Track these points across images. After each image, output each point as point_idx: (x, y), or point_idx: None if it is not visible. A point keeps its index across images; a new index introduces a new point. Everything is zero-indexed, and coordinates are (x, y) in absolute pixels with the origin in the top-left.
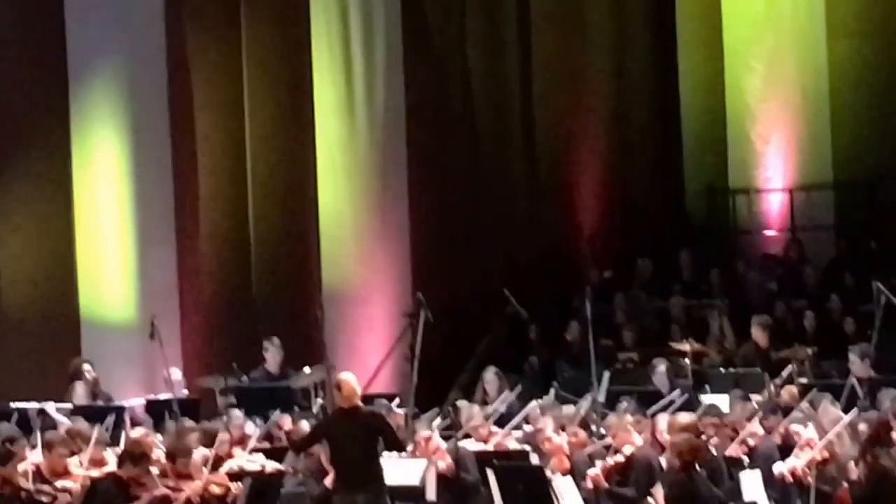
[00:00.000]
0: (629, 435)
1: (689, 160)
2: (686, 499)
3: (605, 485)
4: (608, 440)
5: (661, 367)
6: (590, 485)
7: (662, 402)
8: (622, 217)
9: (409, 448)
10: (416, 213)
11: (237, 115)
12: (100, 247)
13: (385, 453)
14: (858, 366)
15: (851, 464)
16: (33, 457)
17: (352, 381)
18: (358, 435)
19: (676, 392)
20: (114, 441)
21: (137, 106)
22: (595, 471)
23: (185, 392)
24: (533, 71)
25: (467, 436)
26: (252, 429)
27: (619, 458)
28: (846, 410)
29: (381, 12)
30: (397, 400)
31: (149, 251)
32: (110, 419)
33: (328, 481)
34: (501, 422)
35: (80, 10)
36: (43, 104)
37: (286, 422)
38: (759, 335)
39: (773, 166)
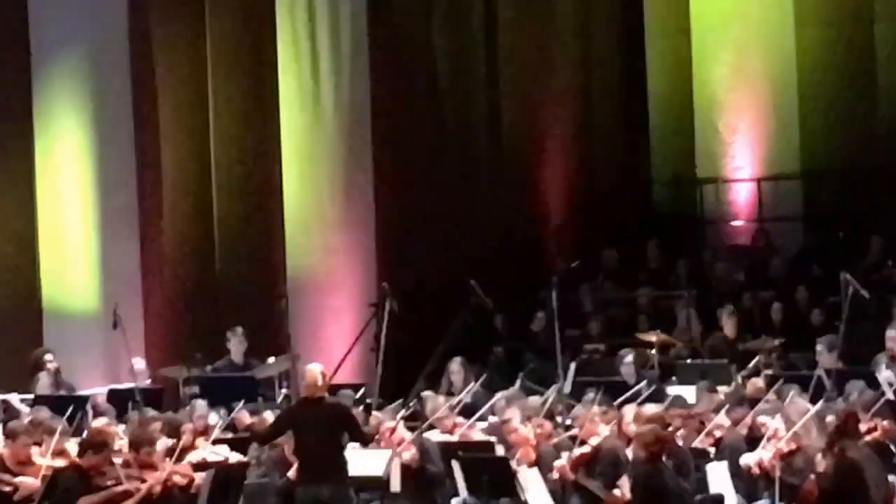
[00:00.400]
0: (595, 426)
1: (657, 150)
2: (652, 490)
3: (572, 476)
4: (574, 431)
5: (627, 357)
6: (556, 476)
7: (629, 394)
8: (588, 207)
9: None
10: (382, 203)
11: (201, 106)
12: (62, 237)
13: (350, 444)
14: (826, 357)
15: (819, 456)
16: None
17: (317, 371)
18: (322, 426)
19: (643, 383)
20: (76, 431)
21: (101, 96)
22: (561, 462)
23: (149, 382)
24: (499, 62)
25: (432, 427)
26: (215, 419)
27: (586, 449)
28: (813, 402)
29: (347, 4)
30: (363, 390)
31: (112, 241)
32: (73, 409)
33: (292, 473)
34: (467, 413)
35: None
36: (5, 94)
37: (245, 417)
38: (726, 326)
39: (741, 156)
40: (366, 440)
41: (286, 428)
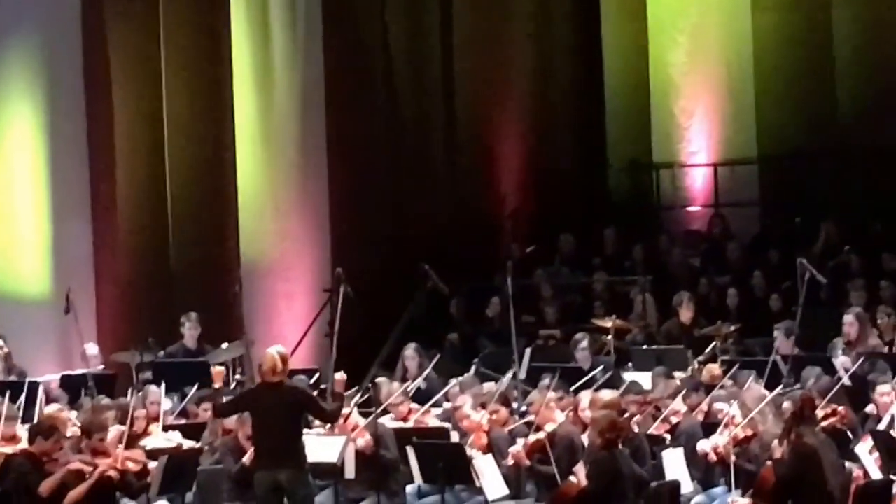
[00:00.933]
0: (551, 412)
1: (613, 135)
2: (607, 477)
3: (527, 462)
4: (530, 417)
5: (583, 343)
6: (511, 462)
7: (585, 380)
8: (544, 192)
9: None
10: (336, 186)
11: (154, 87)
12: (13, 220)
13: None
14: (784, 343)
15: (775, 442)
16: None
17: (276, 355)
18: (281, 410)
19: (599, 369)
20: (27, 417)
21: (53, 78)
22: (517, 448)
23: (102, 368)
24: (454, 44)
25: (386, 413)
26: (169, 405)
27: (541, 435)
28: (770, 388)
29: None
30: (317, 375)
31: (63, 224)
32: (24, 395)
33: (246, 458)
34: (422, 399)
35: None
36: None
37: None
38: (682, 312)
39: (697, 141)
40: (330, 417)
41: (244, 408)
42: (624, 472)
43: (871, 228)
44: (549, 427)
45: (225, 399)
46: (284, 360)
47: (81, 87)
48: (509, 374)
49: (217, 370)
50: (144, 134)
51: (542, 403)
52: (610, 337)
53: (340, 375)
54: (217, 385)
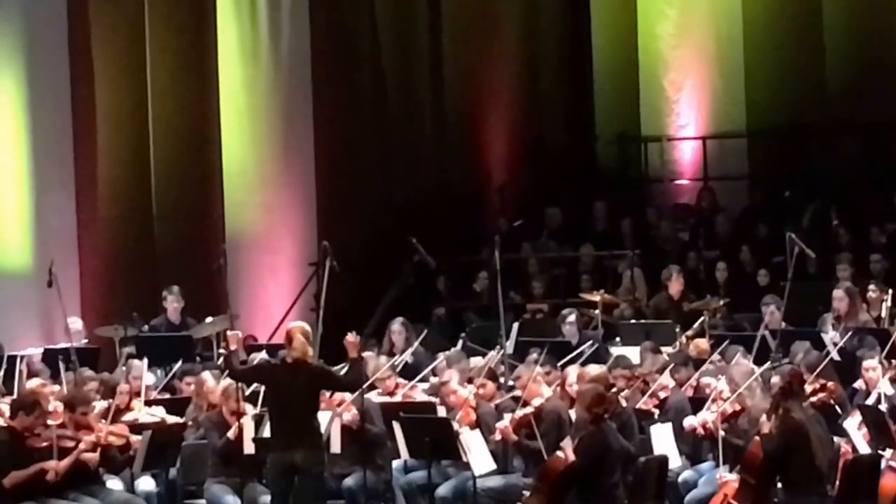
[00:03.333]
0: (538, 387)
1: (601, 108)
2: (596, 452)
3: (514, 437)
4: (517, 392)
5: (570, 317)
6: (498, 437)
7: (573, 354)
8: (532, 165)
9: None
10: (322, 159)
11: (138, 59)
12: None
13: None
14: (775, 317)
15: (763, 417)
16: None
17: (300, 332)
18: (301, 390)
19: (587, 344)
20: (9, 391)
21: (35, 50)
22: (504, 423)
23: (85, 342)
24: (442, 17)
25: (373, 387)
26: (152, 380)
27: (528, 410)
28: (758, 362)
29: None
30: None
31: (46, 197)
32: (5, 369)
33: (231, 433)
34: (409, 373)
35: None
36: None
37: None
38: (670, 286)
39: (686, 114)
40: (352, 386)
41: (262, 381)
42: (612, 446)
43: (860, 203)
44: (537, 402)
45: (242, 363)
46: (309, 338)
47: (64, 57)
48: (497, 349)
49: (231, 334)
50: (128, 107)
51: (530, 378)
52: (598, 311)
53: (353, 337)
54: (233, 347)
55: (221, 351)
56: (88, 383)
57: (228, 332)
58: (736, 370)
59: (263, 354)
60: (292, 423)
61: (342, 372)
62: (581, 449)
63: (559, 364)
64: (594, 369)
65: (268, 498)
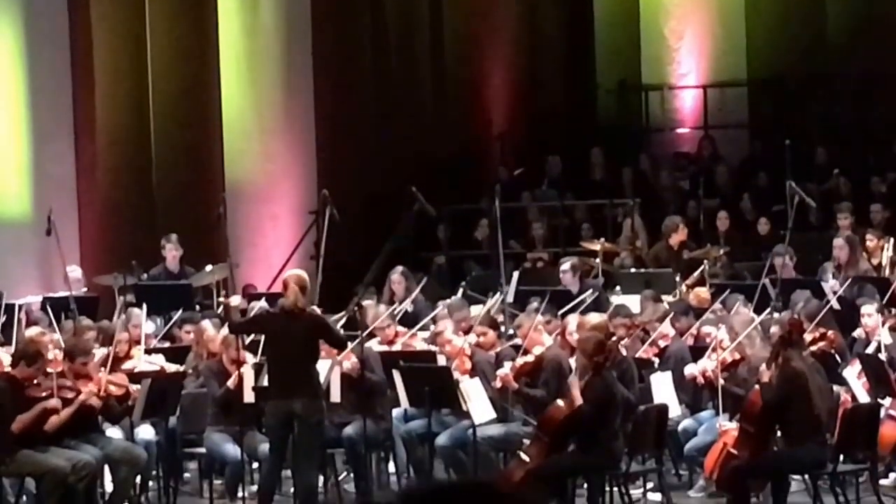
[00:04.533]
0: (539, 335)
1: (602, 56)
2: (601, 398)
3: (515, 386)
4: (517, 340)
5: (565, 265)
6: (498, 385)
7: (573, 303)
8: (532, 114)
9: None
10: (322, 108)
11: (137, 8)
12: None
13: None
14: (788, 268)
15: (763, 366)
16: None
17: (295, 281)
18: (299, 339)
19: (588, 292)
20: (7, 339)
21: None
22: (504, 371)
23: (84, 290)
24: None
25: (373, 336)
26: (152, 328)
27: (529, 358)
28: (758, 311)
29: None
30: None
31: (45, 145)
32: (4, 318)
33: (231, 383)
34: (409, 322)
35: None
36: None
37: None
38: (675, 235)
39: (687, 63)
40: (343, 344)
41: (260, 331)
42: (615, 395)
43: (859, 152)
44: (537, 350)
45: (242, 312)
46: (304, 288)
47: (63, 8)
48: (497, 297)
49: (231, 305)
50: (127, 55)
51: (530, 327)
52: (598, 260)
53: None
54: (234, 304)
55: (221, 300)
56: (87, 332)
57: (223, 300)
58: (736, 319)
59: (263, 303)
60: (290, 371)
61: (340, 323)
62: (587, 395)
63: (560, 313)
64: (594, 317)
65: (267, 446)
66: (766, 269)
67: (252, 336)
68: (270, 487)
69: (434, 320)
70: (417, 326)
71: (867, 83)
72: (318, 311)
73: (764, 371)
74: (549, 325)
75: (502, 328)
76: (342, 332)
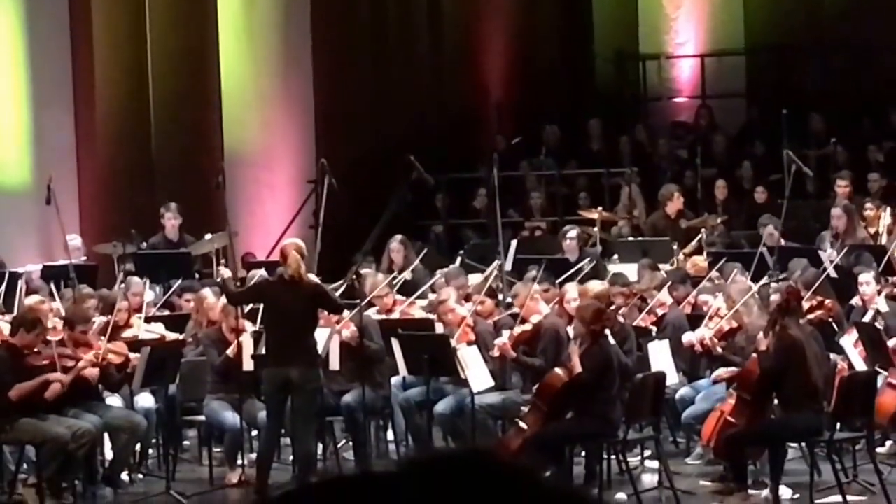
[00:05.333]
0: (536, 304)
1: (599, 25)
2: (600, 366)
3: (513, 354)
4: (515, 309)
5: (571, 233)
6: (496, 354)
7: (571, 271)
8: (530, 83)
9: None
10: (320, 77)
11: None
12: None
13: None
14: (773, 237)
15: (760, 334)
16: None
17: (294, 249)
18: (297, 306)
19: (586, 260)
20: (7, 308)
21: None
22: (502, 340)
23: (84, 259)
24: None
25: (371, 305)
26: (151, 297)
27: (527, 327)
28: (756, 280)
29: None
30: None
31: (45, 114)
32: (5, 285)
33: (230, 351)
34: (408, 291)
35: None
36: None
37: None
38: (668, 204)
39: (685, 31)
40: (341, 309)
41: (259, 300)
42: (613, 361)
43: (857, 121)
44: (535, 319)
45: (241, 281)
46: (303, 254)
47: None
48: (495, 266)
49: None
50: (127, 23)
51: (527, 296)
52: (596, 228)
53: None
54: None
55: (222, 269)
56: (87, 300)
57: (222, 271)
58: (733, 287)
59: (262, 272)
60: (288, 339)
61: (339, 292)
62: (585, 363)
63: (557, 281)
64: (596, 286)
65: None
66: (763, 238)
67: (251, 305)
68: (268, 455)
69: (433, 289)
70: (416, 295)
71: (864, 52)
72: (316, 279)
73: (761, 339)
74: (547, 294)
75: (500, 297)
76: (340, 300)
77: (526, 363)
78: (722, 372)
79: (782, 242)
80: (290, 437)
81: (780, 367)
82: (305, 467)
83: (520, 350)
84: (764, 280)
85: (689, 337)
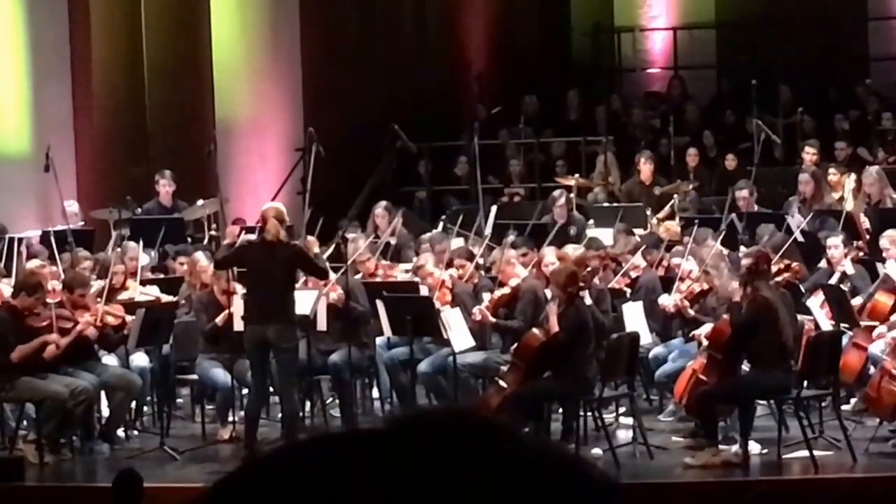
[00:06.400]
0: (512, 268)
1: (576, 0)
2: (576, 328)
3: (492, 320)
4: (495, 273)
5: (561, 199)
6: (478, 318)
7: (550, 236)
8: (509, 55)
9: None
10: (308, 49)
11: None
12: None
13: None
14: (749, 201)
15: (731, 296)
16: None
17: (273, 214)
18: (275, 267)
19: (558, 225)
20: (8, 272)
21: None
22: (480, 307)
23: (81, 224)
24: None
25: (357, 270)
26: (146, 260)
27: (505, 291)
28: (726, 244)
29: None
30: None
31: (43, 83)
32: (5, 250)
33: (219, 319)
34: (393, 255)
35: None
36: None
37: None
38: (642, 171)
39: (658, 5)
40: (323, 273)
41: (240, 263)
42: (588, 321)
43: (824, 91)
44: (513, 282)
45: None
46: (281, 219)
47: None
48: (475, 231)
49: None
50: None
51: (504, 260)
52: (573, 195)
53: (312, 238)
54: (228, 241)
55: (212, 233)
56: (84, 263)
57: (228, 229)
58: (705, 251)
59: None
60: (265, 299)
61: (326, 255)
62: (562, 324)
63: (547, 242)
64: (573, 250)
65: None
66: (727, 203)
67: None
68: (254, 412)
69: (416, 252)
70: (398, 260)
71: (831, 24)
72: (304, 242)
73: (735, 290)
74: (526, 258)
75: (480, 260)
76: (327, 263)
77: (504, 327)
78: (699, 331)
79: (756, 208)
80: (278, 395)
81: (751, 323)
82: (290, 423)
83: (500, 313)
84: (740, 248)
85: (665, 300)
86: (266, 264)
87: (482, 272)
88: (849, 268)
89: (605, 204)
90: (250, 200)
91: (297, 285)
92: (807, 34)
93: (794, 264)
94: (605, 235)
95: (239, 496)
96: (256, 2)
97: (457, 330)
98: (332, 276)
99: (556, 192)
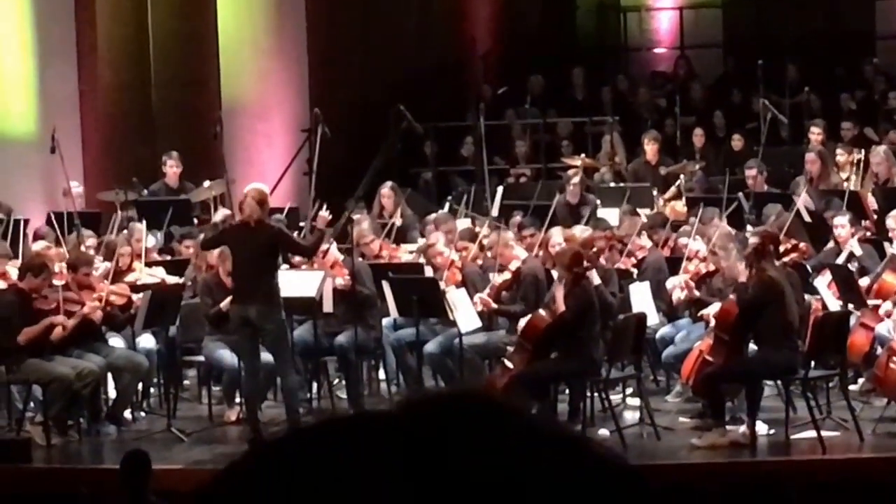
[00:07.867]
0: (510, 251)
1: None
2: (583, 305)
3: (494, 307)
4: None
5: (575, 178)
6: (480, 308)
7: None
8: (514, 35)
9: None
10: (313, 30)
11: None
12: (0, 61)
13: (284, 267)
14: (758, 181)
15: (738, 276)
16: None
17: (251, 196)
18: (256, 248)
19: (555, 203)
20: (14, 254)
21: None
22: (482, 295)
23: (86, 206)
24: None
25: (362, 254)
26: (153, 242)
27: (507, 275)
28: (733, 224)
29: None
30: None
31: (49, 65)
32: (11, 232)
33: (224, 305)
34: (398, 236)
35: None
36: None
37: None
38: (648, 151)
39: None
40: (307, 252)
41: (224, 244)
42: (595, 301)
43: (830, 70)
44: (514, 265)
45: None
46: (262, 201)
47: None
48: (482, 212)
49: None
50: None
51: (502, 244)
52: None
53: (326, 213)
54: (216, 219)
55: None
56: (86, 240)
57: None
58: (712, 231)
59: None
60: (247, 280)
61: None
62: (569, 303)
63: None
64: (580, 231)
65: (264, 354)
66: (727, 183)
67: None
68: (249, 392)
69: (422, 233)
70: (405, 240)
71: (838, 3)
72: (279, 224)
73: (739, 281)
74: (533, 239)
75: (486, 241)
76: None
77: (506, 312)
78: (708, 310)
79: (765, 187)
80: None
81: (758, 302)
82: (289, 400)
83: (504, 297)
84: (748, 227)
85: (673, 282)
86: (246, 245)
87: (487, 253)
88: (856, 248)
89: (612, 184)
90: (256, 181)
91: (304, 267)
92: (813, 13)
93: (801, 244)
94: (612, 216)
95: (247, 482)
96: None
97: (463, 311)
98: (340, 257)
99: (570, 172)
